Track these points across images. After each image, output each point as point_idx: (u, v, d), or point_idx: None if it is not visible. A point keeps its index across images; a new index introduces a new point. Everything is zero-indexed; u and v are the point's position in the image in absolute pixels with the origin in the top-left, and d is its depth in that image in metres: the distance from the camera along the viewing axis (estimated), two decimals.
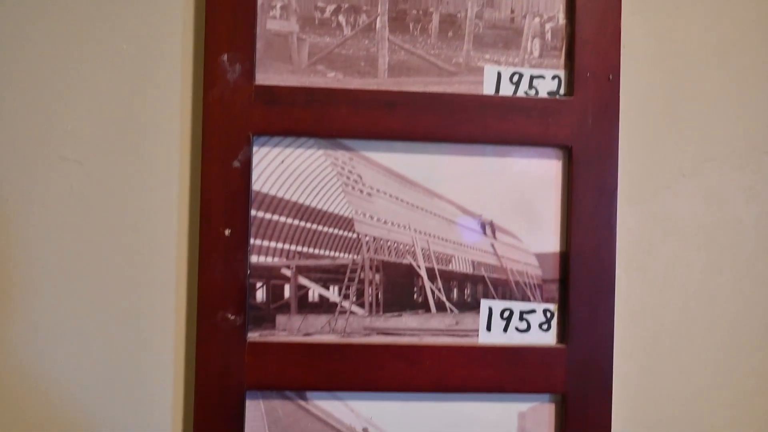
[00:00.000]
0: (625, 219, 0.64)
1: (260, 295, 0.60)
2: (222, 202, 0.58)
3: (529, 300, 0.62)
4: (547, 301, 0.62)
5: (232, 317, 0.58)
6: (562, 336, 0.62)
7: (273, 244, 0.60)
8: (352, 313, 0.60)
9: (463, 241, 0.61)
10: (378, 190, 0.60)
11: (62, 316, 0.59)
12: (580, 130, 0.60)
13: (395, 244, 0.60)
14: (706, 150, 0.65)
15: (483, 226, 0.61)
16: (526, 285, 0.61)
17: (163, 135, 0.60)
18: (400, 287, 0.61)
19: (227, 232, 0.58)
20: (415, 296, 0.61)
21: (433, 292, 0.61)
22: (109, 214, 0.59)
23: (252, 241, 0.59)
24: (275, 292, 0.60)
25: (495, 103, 0.60)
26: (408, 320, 0.61)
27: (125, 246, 0.59)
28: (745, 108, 0.65)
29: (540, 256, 0.62)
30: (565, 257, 0.61)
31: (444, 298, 0.61)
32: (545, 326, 0.62)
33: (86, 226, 0.59)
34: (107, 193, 0.59)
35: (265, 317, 0.60)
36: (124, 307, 0.60)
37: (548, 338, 0.62)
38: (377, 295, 0.60)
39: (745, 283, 0.65)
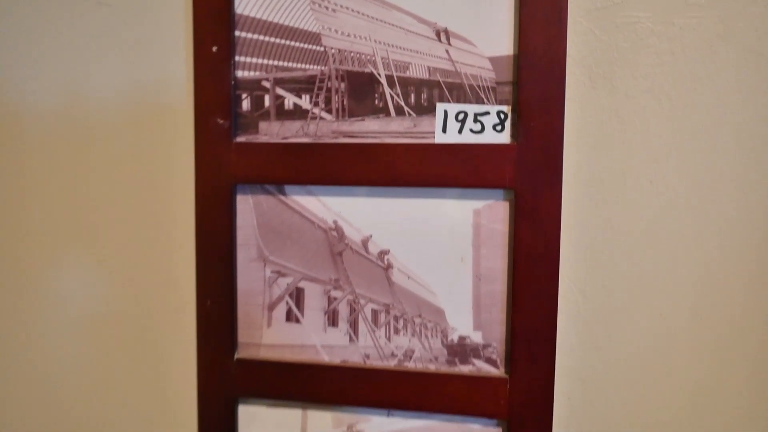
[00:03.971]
0: (591, 26, 0.64)
1: (245, 104, 0.70)
2: (210, 23, 0.68)
3: (483, 102, 0.65)
4: (500, 103, 0.65)
5: (222, 122, 0.69)
6: (515, 137, 0.65)
7: (254, 59, 0.69)
8: (321, 118, 0.68)
9: (419, 49, 0.66)
10: (342, 6, 0.67)
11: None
12: None
13: (358, 55, 0.67)
14: None
15: (438, 33, 0.65)
16: (480, 88, 0.65)
17: None
18: (362, 94, 0.67)
19: (214, 49, 0.69)
20: (376, 102, 0.67)
21: (392, 98, 0.67)
22: (119, 40, 0.73)
23: (237, 57, 0.69)
24: (257, 102, 0.70)
25: None
26: (370, 124, 0.67)
27: (137, 64, 0.72)
28: None
29: (493, 60, 0.64)
30: (517, 59, 0.63)
31: (402, 103, 0.66)
32: (499, 127, 0.65)
33: (93, 54, 0.73)
34: (119, 24, 0.73)
35: (250, 124, 0.70)
36: (138, 114, 0.73)
37: (502, 139, 0.65)
38: (343, 101, 0.68)
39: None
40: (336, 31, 0.67)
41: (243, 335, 0.72)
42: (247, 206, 0.71)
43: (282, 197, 0.70)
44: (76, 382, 0.78)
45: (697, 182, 0.64)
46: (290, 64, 0.68)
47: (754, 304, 0.64)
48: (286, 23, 0.68)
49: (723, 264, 0.64)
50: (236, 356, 0.72)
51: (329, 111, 0.68)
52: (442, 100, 0.66)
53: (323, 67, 0.68)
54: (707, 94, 0.63)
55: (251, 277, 0.71)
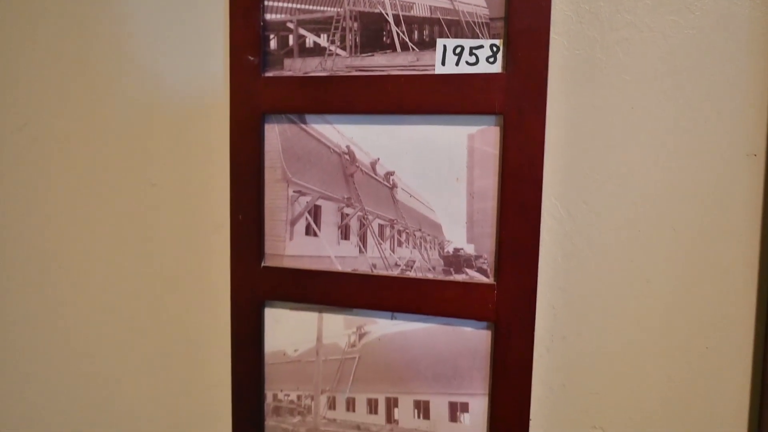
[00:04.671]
0: None
1: (273, 44, 0.80)
2: None
3: (477, 37, 0.73)
4: (493, 37, 0.72)
5: (252, 59, 0.80)
6: (505, 68, 0.72)
7: (280, 3, 0.79)
8: (337, 54, 0.78)
9: None
10: None
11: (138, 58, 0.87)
12: None
13: None
14: None
15: None
16: (475, 24, 0.72)
17: None
18: (372, 32, 0.76)
19: None
20: (384, 39, 0.76)
21: (398, 35, 0.75)
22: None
23: (266, 2, 0.79)
24: (283, 41, 0.80)
25: None
26: (379, 59, 0.76)
27: (180, 10, 0.84)
28: None
29: None
30: None
31: (407, 39, 0.75)
32: (491, 59, 0.72)
33: (156, 22, 0.85)
34: None
35: (276, 61, 0.80)
36: (182, 53, 0.85)
37: (494, 69, 0.72)
38: (355, 39, 0.77)
39: None
40: None
41: (269, 247, 0.83)
42: (274, 133, 0.81)
43: (303, 125, 0.80)
44: (132, 282, 0.92)
45: (677, 107, 0.69)
46: (311, 7, 0.78)
47: (725, 220, 0.69)
48: None
49: (699, 182, 0.69)
50: (263, 264, 0.83)
51: (344, 48, 0.77)
52: (441, 35, 0.74)
53: (339, 9, 0.77)
54: (687, 26, 0.68)
55: (276, 195, 0.82)
